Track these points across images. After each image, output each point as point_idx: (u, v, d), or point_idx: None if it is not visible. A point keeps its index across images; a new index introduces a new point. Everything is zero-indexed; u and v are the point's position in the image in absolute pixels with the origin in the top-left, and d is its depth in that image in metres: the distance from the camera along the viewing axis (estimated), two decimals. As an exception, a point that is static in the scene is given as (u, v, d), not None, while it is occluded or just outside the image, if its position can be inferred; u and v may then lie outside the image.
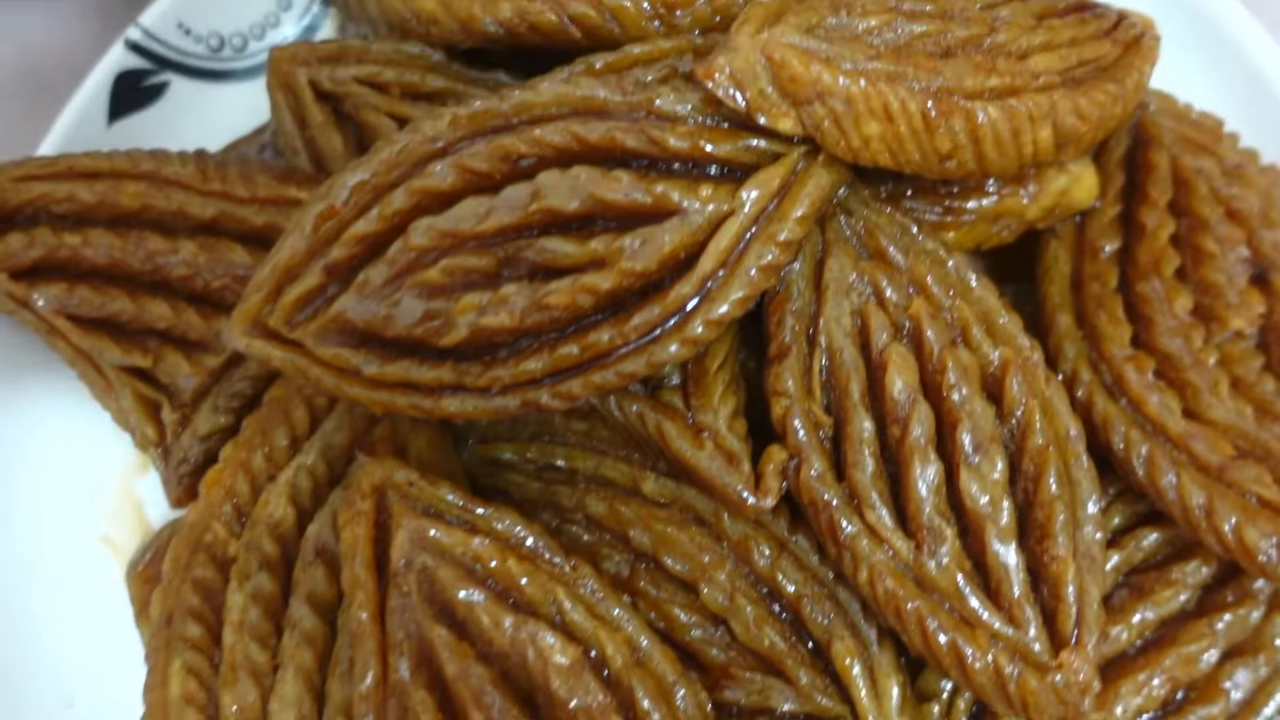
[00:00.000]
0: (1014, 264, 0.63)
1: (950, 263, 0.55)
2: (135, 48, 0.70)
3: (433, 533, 0.51)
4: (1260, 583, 0.53)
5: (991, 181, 0.58)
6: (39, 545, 0.64)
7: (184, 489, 0.63)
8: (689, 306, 0.50)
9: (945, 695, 0.55)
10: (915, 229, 0.55)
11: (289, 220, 0.51)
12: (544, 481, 0.59)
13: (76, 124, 0.68)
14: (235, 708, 0.52)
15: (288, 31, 0.74)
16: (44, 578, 0.63)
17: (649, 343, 0.50)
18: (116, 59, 0.69)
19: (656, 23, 0.59)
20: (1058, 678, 0.48)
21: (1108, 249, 0.59)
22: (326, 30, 0.74)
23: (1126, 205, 0.60)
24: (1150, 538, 0.55)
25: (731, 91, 0.49)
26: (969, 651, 0.49)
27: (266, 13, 0.74)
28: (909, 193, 0.58)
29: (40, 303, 0.60)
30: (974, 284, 0.55)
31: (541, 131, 0.51)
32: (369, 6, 0.66)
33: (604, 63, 0.56)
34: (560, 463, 0.59)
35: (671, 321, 0.50)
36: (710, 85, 0.49)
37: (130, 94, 0.70)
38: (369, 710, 0.49)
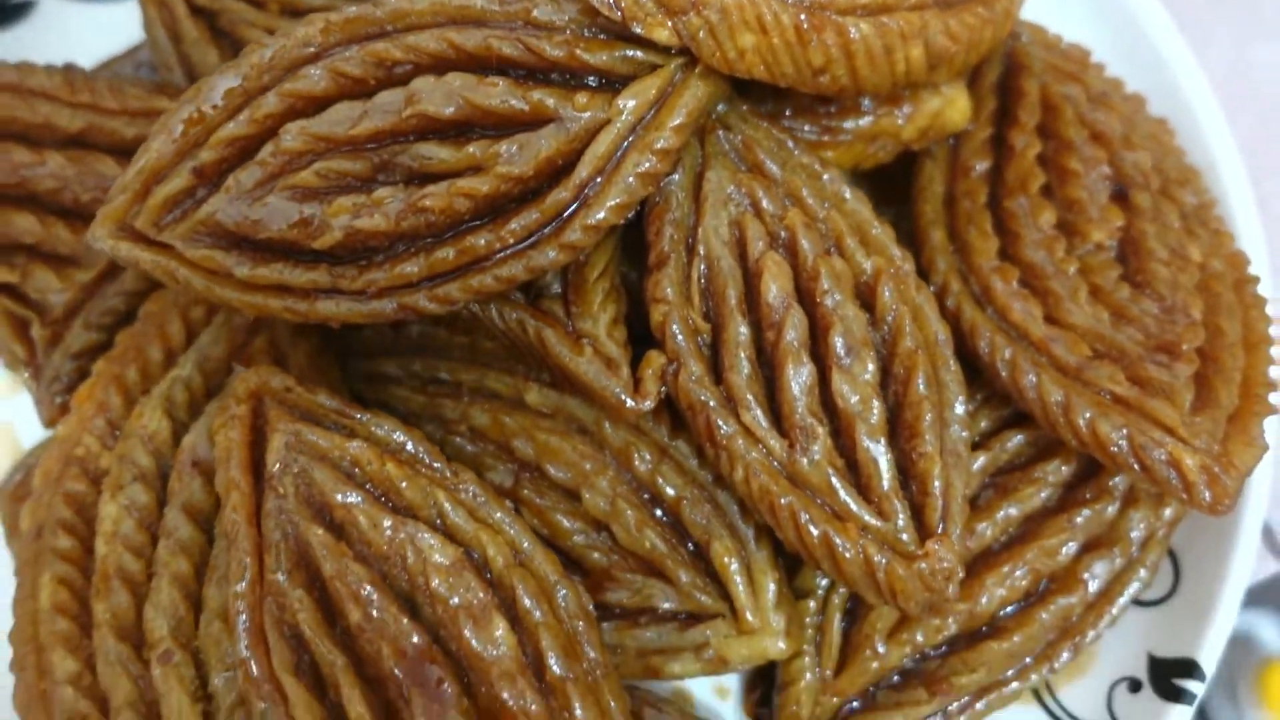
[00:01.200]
0: (894, 188, 0.65)
1: (825, 176, 0.56)
2: (1, -39, 0.68)
3: (310, 436, 0.51)
4: (1117, 479, 0.56)
5: (867, 102, 0.59)
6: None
7: (57, 408, 0.61)
8: (567, 213, 0.51)
9: (821, 591, 0.57)
10: (792, 144, 0.57)
11: (157, 124, 0.50)
12: (428, 395, 0.59)
13: (-63, 39, 0.66)
14: (109, 615, 0.52)
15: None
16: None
17: (527, 248, 0.51)
18: (-20, -28, 0.67)
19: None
20: (923, 565, 0.50)
21: (979, 168, 0.61)
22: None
23: (997, 128, 0.62)
24: (1015, 440, 0.57)
25: (607, 0, 0.49)
26: (839, 543, 0.51)
27: (143, -71, 0.72)
28: (788, 112, 0.59)
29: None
30: (848, 197, 0.56)
31: (416, 38, 0.50)
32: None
33: (485, -28, 0.56)
34: (444, 375, 0.59)
35: (549, 227, 0.51)
36: (587, -10, 0.49)
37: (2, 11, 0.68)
38: (245, 609, 0.48)
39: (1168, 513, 0.57)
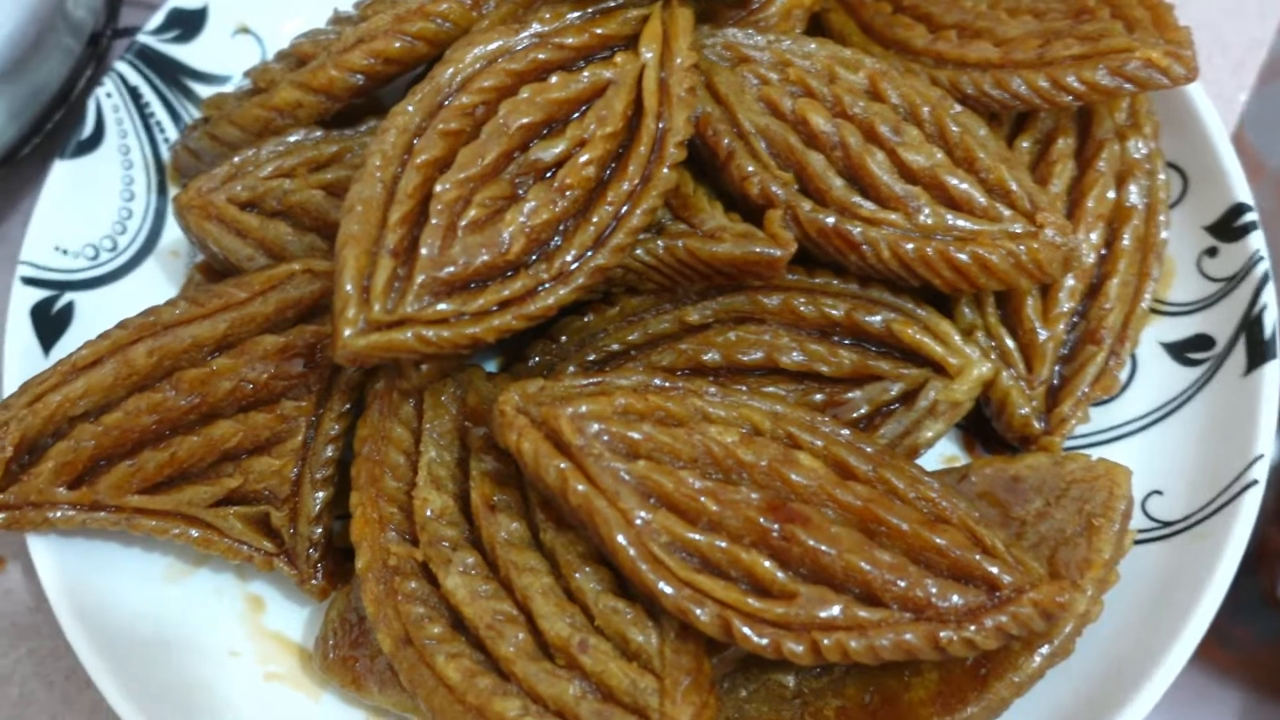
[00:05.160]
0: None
1: (787, 41, 0.70)
2: (31, 281, 0.73)
3: (584, 408, 0.59)
4: (1105, 127, 0.72)
5: (775, -13, 0.74)
6: (215, 707, 0.64)
7: (325, 576, 0.66)
8: (659, 140, 0.62)
9: (979, 321, 0.69)
10: (751, 32, 0.70)
11: (336, 255, 0.58)
12: (613, 368, 0.68)
13: (19, 368, 0.70)
14: (513, 650, 0.57)
15: (142, 218, 0.79)
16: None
17: (649, 178, 0.61)
18: (23, 297, 0.72)
19: (476, 10, 0.71)
20: (1047, 233, 0.64)
21: (868, -4, 0.77)
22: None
23: (861, -37, 0.78)
24: (1024, 144, 0.72)
25: (596, -20, 0.62)
26: (984, 253, 0.63)
27: (118, 209, 0.79)
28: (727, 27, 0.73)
29: (110, 492, 0.62)
30: (812, 46, 0.70)
31: (480, 83, 0.61)
32: (227, 134, 0.74)
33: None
34: (614, 347, 0.68)
35: (654, 155, 0.62)
36: (579, -17, 0.62)
37: (49, 323, 0.72)
38: (633, 549, 0.55)
39: (1147, 129, 0.73)
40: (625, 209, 0.61)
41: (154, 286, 0.77)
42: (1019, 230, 0.64)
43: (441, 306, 0.57)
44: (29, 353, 0.71)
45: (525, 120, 0.60)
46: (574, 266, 0.59)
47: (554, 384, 0.60)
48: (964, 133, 0.66)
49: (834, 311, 0.66)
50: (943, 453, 0.72)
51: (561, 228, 0.60)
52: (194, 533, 0.64)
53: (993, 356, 0.68)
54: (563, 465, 0.57)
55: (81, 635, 0.62)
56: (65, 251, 0.75)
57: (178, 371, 0.63)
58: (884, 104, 0.67)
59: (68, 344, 0.72)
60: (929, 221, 0.64)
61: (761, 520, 0.56)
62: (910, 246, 0.63)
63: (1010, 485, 0.65)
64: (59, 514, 0.62)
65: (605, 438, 0.58)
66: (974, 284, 0.64)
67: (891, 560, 0.56)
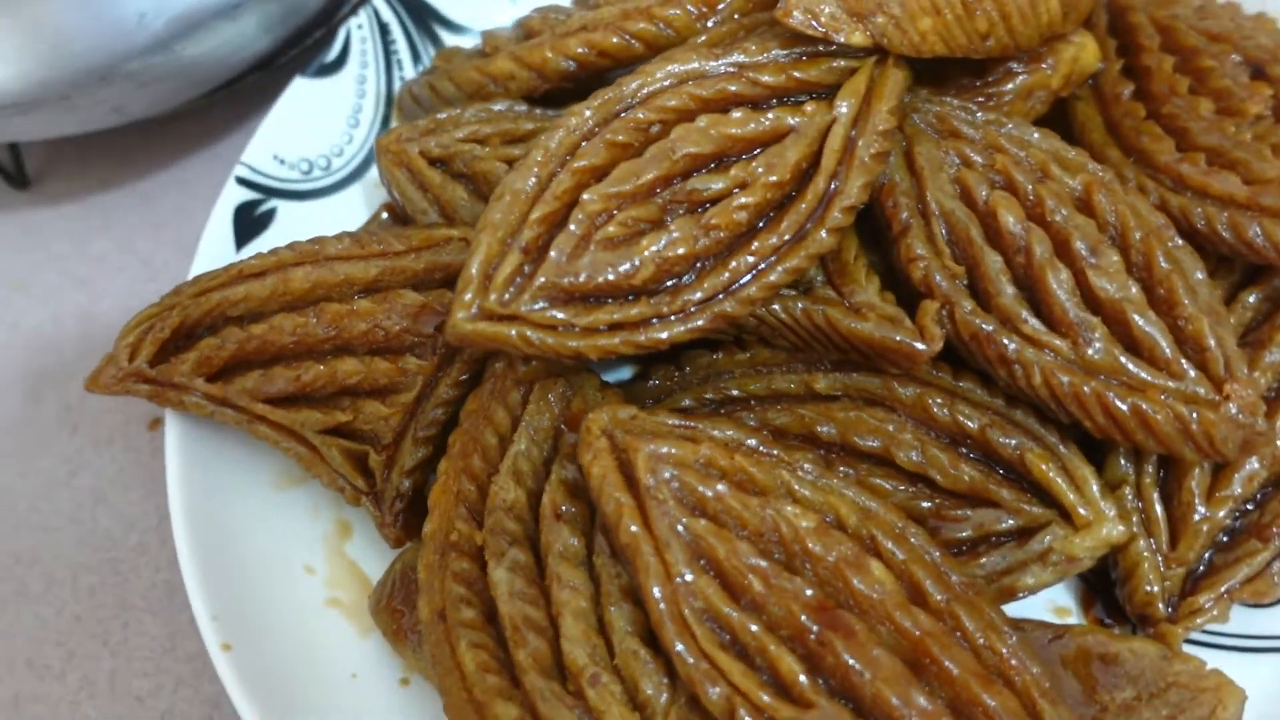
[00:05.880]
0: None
1: (1009, 125, 0.65)
2: (243, 182, 0.79)
3: (666, 449, 0.57)
4: (1354, 304, 0.62)
5: (1017, 65, 0.68)
6: (272, 611, 0.68)
7: (401, 527, 0.68)
8: (825, 201, 0.59)
9: (1132, 477, 0.62)
10: (973, 107, 0.65)
11: (473, 236, 0.59)
12: (725, 413, 0.66)
13: (212, 255, 0.76)
14: (530, 660, 0.57)
15: (360, 145, 0.84)
16: (291, 633, 0.67)
17: (802, 238, 0.59)
18: (232, 194, 0.78)
19: (701, 22, 0.70)
20: (1230, 406, 0.56)
21: (1125, 93, 0.69)
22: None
23: (1126, 59, 0.71)
24: (1252, 298, 0.64)
25: (808, 21, 0.59)
26: (1148, 409, 0.56)
27: (341, 133, 0.84)
28: (952, 94, 0.69)
29: (240, 394, 0.67)
30: (1035, 136, 0.64)
31: (662, 101, 0.60)
32: (444, 89, 0.77)
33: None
34: (735, 392, 0.66)
35: (812, 220, 0.59)
36: (791, 22, 0.59)
37: (248, 223, 0.78)
38: (665, 603, 0.54)
39: None
40: (767, 263, 0.58)
41: (352, 211, 0.82)
42: (1200, 394, 0.57)
43: (554, 313, 0.57)
44: (224, 242, 0.77)
45: (693, 150, 0.59)
46: (696, 307, 0.58)
47: (647, 416, 0.59)
48: (1174, 271, 0.59)
49: (969, 423, 0.61)
50: (1053, 600, 0.66)
51: (698, 265, 0.58)
52: (302, 451, 0.68)
53: (1134, 520, 0.61)
54: (623, 500, 0.56)
55: (180, 507, 0.67)
56: (282, 161, 0.81)
57: (325, 302, 0.67)
58: (1092, 218, 0.61)
59: (260, 245, 0.78)
60: (1097, 358, 0.58)
61: (804, 618, 0.53)
62: (1065, 379, 0.58)
63: (1104, 663, 0.58)
64: (193, 399, 0.67)
65: (675, 485, 0.57)
66: (1129, 439, 0.58)
67: (926, 704, 0.52)
